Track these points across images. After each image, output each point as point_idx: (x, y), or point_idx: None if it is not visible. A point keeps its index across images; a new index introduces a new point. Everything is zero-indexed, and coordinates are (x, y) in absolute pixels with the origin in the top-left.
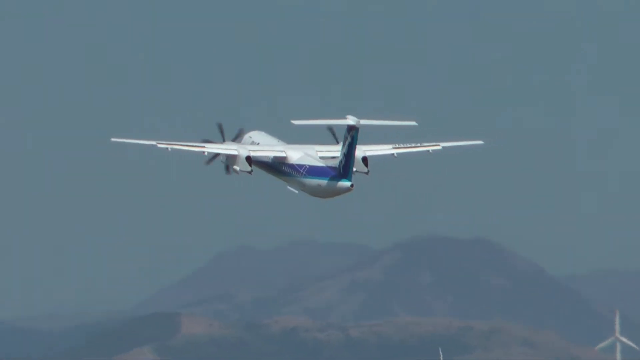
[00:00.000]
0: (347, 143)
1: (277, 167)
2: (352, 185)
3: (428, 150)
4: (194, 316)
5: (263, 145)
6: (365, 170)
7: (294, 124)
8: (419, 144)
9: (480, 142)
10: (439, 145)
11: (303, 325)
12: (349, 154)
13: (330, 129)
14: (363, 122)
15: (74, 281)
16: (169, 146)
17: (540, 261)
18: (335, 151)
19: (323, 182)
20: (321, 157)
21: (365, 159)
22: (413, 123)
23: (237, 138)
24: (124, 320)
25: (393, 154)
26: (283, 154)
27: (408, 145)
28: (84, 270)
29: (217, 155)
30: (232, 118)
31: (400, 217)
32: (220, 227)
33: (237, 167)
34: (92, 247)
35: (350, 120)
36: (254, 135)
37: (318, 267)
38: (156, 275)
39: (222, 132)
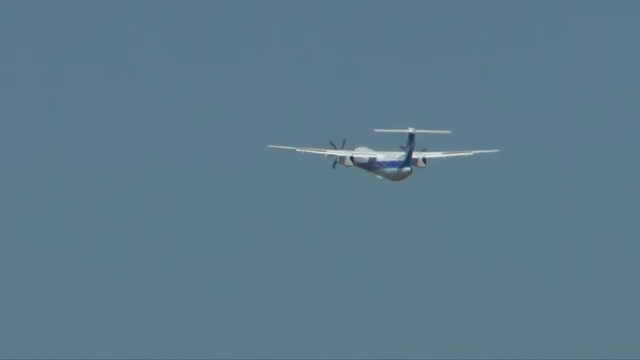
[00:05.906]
0: (408, 145)
1: (370, 164)
2: (411, 170)
3: (464, 155)
4: None
5: (362, 151)
6: (424, 166)
7: (375, 132)
8: (460, 151)
9: (496, 150)
10: (471, 152)
11: None
12: (410, 152)
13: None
14: (417, 131)
15: None
16: (303, 150)
17: None
18: (403, 154)
19: (395, 169)
20: (397, 158)
21: (424, 159)
22: (448, 131)
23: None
24: None
25: (442, 157)
26: (374, 156)
27: (452, 151)
28: None
29: (332, 155)
30: (345, 132)
31: None
32: None
33: (344, 163)
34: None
35: (410, 130)
36: (359, 148)
37: None
38: None
39: (343, 145)
